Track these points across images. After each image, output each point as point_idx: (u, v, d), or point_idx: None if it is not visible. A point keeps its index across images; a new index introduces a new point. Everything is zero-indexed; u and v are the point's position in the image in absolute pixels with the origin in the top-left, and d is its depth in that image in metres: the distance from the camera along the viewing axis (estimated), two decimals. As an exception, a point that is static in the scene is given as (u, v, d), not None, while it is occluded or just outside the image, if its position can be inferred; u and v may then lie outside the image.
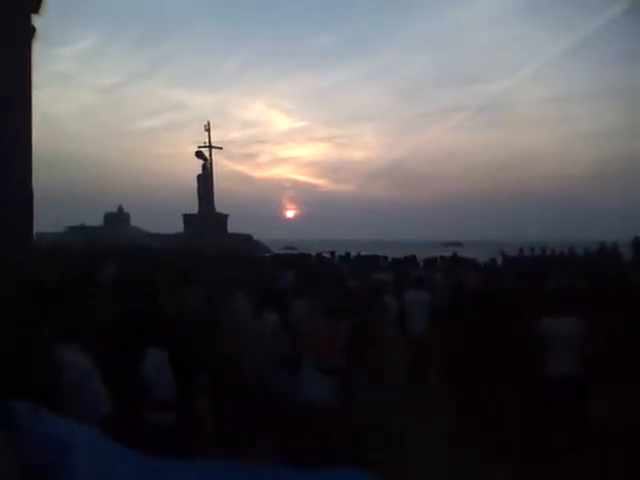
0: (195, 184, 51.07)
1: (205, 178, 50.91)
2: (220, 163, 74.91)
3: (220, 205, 52.11)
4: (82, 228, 52.48)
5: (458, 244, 72.32)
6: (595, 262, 14.92)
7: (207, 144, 50.86)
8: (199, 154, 50.71)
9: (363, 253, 18.00)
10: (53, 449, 0.67)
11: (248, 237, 48.88)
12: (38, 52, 13.61)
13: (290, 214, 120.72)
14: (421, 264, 14.68)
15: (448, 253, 18.04)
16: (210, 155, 51.29)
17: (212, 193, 51.33)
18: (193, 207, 50.98)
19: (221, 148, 53.73)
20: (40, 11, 13.21)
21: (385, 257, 15.49)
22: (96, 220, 60.03)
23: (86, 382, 4.15)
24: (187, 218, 49.98)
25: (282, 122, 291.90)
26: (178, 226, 50.03)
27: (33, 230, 13.87)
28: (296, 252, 24.65)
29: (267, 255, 24.82)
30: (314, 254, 17.85)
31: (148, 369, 4.30)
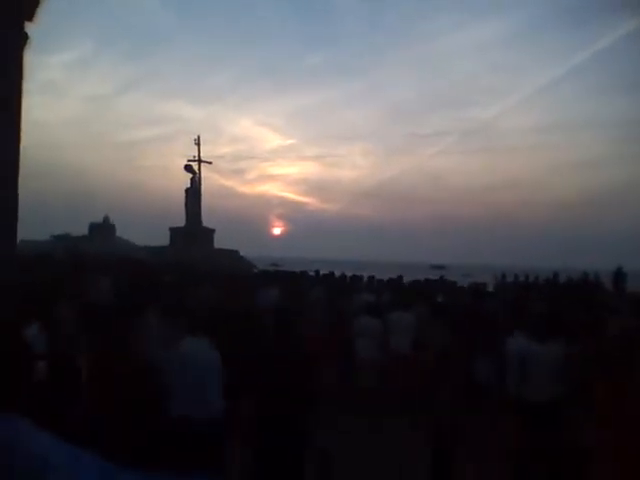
0: (182, 197, 50.93)
1: (193, 192, 50.76)
2: (209, 177, 74.66)
3: (207, 220, 51.96)
4: (66, 237, 52.05)
5: (442, 267, 72.60)
6: (578, 289, 15.04)
7: (196, 158, 50.84)
8: (188, 168, 50.59)
9: (348, 273, 17.97)
10: (33, 467, 0.64)
11: (234, 252, 48.65)
12: (30, 59, 13.56)
13: (277, 231, 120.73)
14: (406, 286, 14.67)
15: (433, 275, 18.05)
16: (199, 169, 51.26)
17: (199, 207, 51.16)
18: (180, 220, 50.79)
19: (211, 163, 53.65)
20: (34, 19, 13.20)
21: (371, 277, 15.48)
22: (81, 229, 59.56)
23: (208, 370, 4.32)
24: (173, 231, 49.69)
25: (271, 139, 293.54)
26: (164, 239, 49.75)
27: (17, 237, 13.71)
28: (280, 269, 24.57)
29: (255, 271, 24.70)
30: (299, 272, 17.80)
31: None
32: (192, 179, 50.82)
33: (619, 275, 19.31)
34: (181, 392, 4.55)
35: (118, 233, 62.37)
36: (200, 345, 4.68)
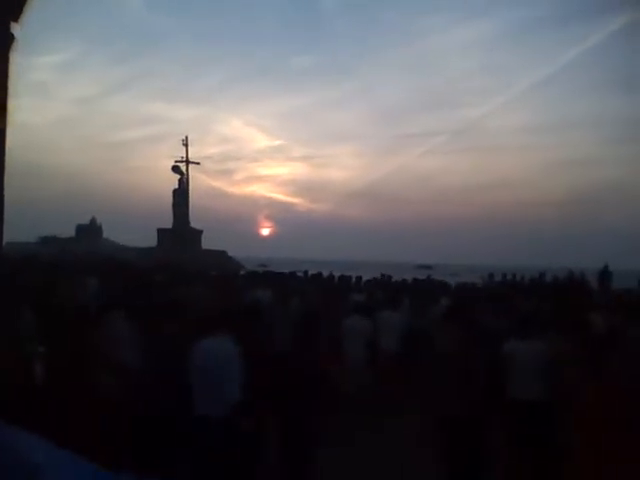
0: (170, 198, 50.81)
1: (181, 193, 50.69)
2: (196, 178, 74.58)
3: (195, 220, 51.94)
4: (53, 239, 51.77)
5: (428, 267, 72.85)
6: (564, 288, 15.19)
7: (184, 159, 50.77)
8: (175, 168, 50.54)
9: (337, 273, 18.02)
10: (25, 473, 0.64)
11: (222, 253, 48.62)
12: (16, 61, 13.47)
13: (265, 232, 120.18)
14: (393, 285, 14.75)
15: (419, 275, 18.17)
16: (187, 170, 51.20)
17: (187, 208, 51.10)
18: (167, 221, 50.67)
19: (198, 163, 53.67)
20: (20, 20, 13.12)
21: (360, 277, 15.54)
22: (68, 231, 59.28)
23: (228, 368, 4.29)
24: (161, 232, 49.57)
25: (259, 140, 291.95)
26: (151, 240, 49.61)
27: (2, 238, 13.62)
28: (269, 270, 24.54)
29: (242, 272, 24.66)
30: (287, 272, 17.83)
31: None
32: (180, 180, 50.76)
33: (605, 274, 19.52)
34: (200, 391, 4.56)
35: (105, 234, 62.27)
36: (219, 343, 4.68)
